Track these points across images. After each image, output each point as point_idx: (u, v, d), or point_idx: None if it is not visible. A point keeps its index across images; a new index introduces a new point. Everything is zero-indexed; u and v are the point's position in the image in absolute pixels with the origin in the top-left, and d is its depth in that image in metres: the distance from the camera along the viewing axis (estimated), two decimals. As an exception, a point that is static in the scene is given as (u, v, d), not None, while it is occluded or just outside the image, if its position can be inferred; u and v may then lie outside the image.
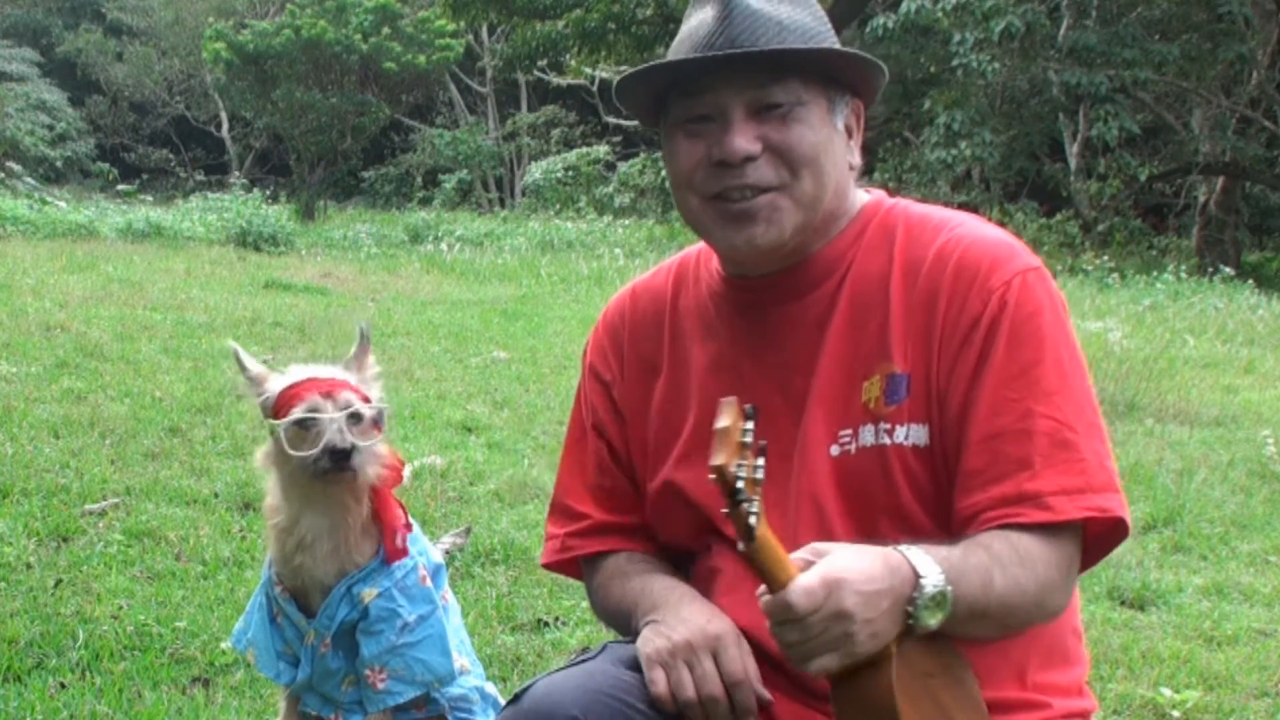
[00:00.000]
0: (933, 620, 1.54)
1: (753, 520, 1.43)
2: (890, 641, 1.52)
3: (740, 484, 1.42)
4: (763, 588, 1.50)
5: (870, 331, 1.78)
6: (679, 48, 1.78)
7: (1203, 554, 5.22)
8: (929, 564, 1.55)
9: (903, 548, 1.56)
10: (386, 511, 2.25)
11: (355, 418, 2.19)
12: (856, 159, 1.84)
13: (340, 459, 2.15)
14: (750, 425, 1.44)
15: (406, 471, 2.40)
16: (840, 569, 1.48)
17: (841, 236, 1.84)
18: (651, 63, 1.79)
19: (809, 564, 1.50)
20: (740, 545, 1.45)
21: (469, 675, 2.37)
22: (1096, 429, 1.70)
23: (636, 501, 1.99)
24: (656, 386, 1.95)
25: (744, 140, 1.74)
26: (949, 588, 1.55)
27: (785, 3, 1.78)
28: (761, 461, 1.44)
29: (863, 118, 1.85)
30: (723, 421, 1.44)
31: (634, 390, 1.98)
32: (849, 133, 1.83)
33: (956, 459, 1.71)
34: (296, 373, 2.25)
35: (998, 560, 1.61)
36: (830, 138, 1.78)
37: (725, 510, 1.44)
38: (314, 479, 2.17)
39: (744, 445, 1.43)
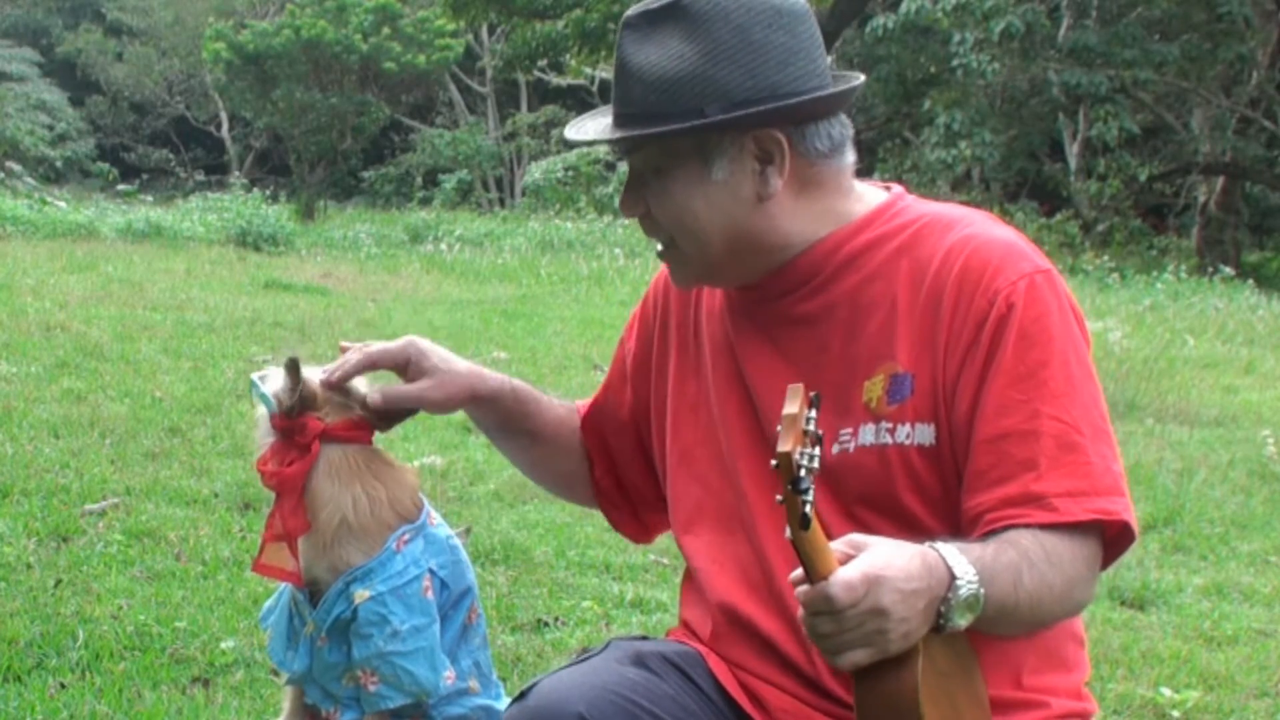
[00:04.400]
0: (963, 621, 1.54)
1: (808, 509, 1.43)
2: (919, 640, 1.51)
3: (803, 472, 1.42)
4: (796, 574, 1.49)
5: (873, 330, 1.76)
6: None
7: (1203, 554, 5.22)
8: (964, 565, 1.53)
9: (938, 546, 1.54)
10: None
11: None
12: (772, 186, 1.75)
13: None
14: (813, 413, 1.45)
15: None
16: (881, 565, 1.47)
17: (839, 232, 1.81)
18: (564, 137, 1.88)
19: (848, 556, 1.49)
20: (789, 532, 1.44)
21: (477, 696, 2.35)
22: (1103, 433, 1.69)
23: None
24: (676, 354, 1.99)
25: (624, 206, 1.82)
26: (982, 590, 1.54)
27: (671, 36, 1.72)
28: (818, 451, 1.44)
29: (793, 141, 1.74)
30: (790, 408, 1.44)
31: (656, 356, 2.03)
32: (765, 160, 1.74)
33: (965, 459, 1.70)
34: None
35: (1026, 557, 1.60)
36: (696, 197, 1.75)
37: (780, 498, 1.44)
38: None
39: (805, 433, 1.44)
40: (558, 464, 2.16)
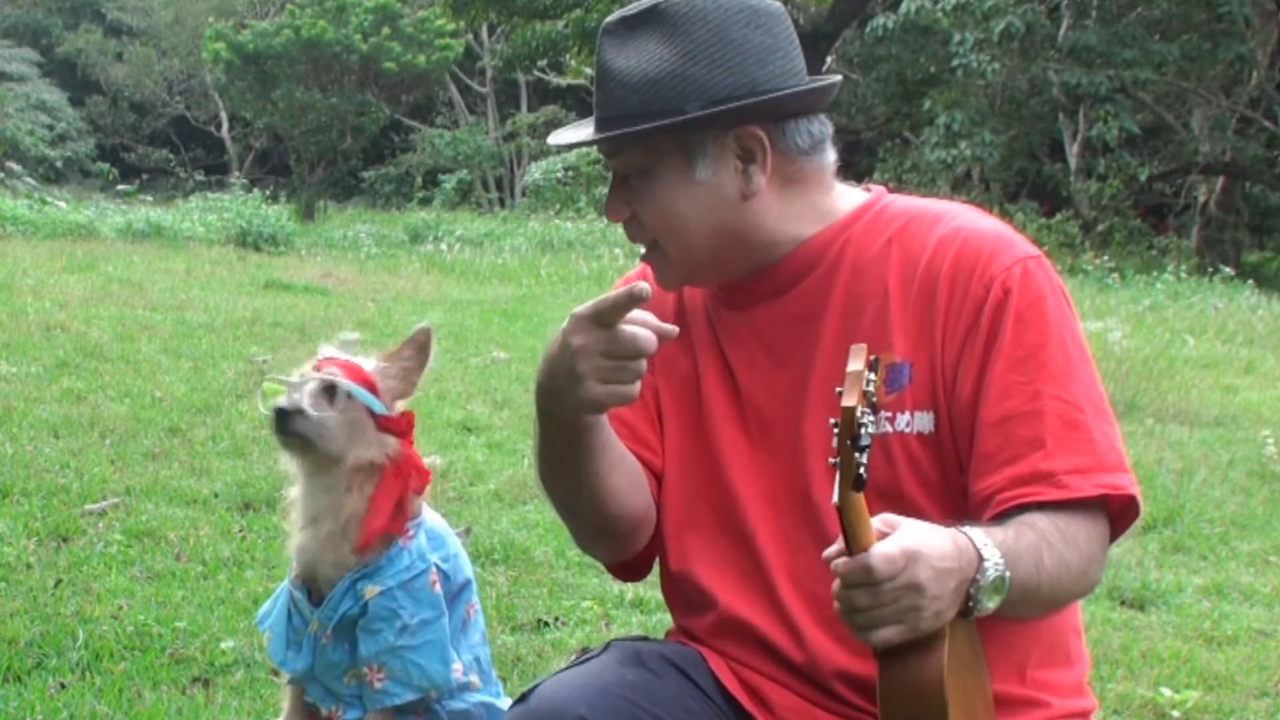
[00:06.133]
0: (990, 604, 1.56)
1: (863, 470, 1.44)
2: (946, 624, 1.53)
3: (864, 430, 1.44)
4: (834, 548, 1.51)
5: (867, 322, 1.78)
6: None
7: (1203, 554, 5.22)
8: (990, 548, 1.56)
9: (966, 529, 1.57)
10: (375, 502, 2.24)
11: (330, 390, 2.20)
12: (756, 184, 1.76)
13: (282, 419, 2.16)
14: (873, 376, 1.47)
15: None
16: (918, 542, 1.50)
17: (825, 231, 1.82)
18: (549, 142, 1.91)
19: (882, 534, 1.51)
20: (836, 497, 1.46)
21: (478, 692, 2.35)
22: (1103, 412, 1.72)
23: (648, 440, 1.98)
24: (660, 358, 1.93)
25: (610, 210, 1.82)
26: (1008, 572, 1.56)
27: (650, 40, 1.74)
28: (873, 417, 1.46)
29: (774, 138, 1.75)
30: (855, 365, 1.46)
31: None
32: (748, 158, 1.76)
33: (969, 445, 1.72)
34: (321, 351, 2.29)
35: (1044, 539, 1.62)
36: (680, 197, 1.76)
37: (833, 460, 1.45)
38: (282, 448, 2.21)
39: (866, 394, 1.45)
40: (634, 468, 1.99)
